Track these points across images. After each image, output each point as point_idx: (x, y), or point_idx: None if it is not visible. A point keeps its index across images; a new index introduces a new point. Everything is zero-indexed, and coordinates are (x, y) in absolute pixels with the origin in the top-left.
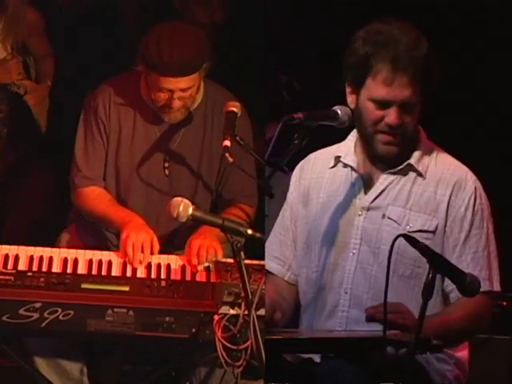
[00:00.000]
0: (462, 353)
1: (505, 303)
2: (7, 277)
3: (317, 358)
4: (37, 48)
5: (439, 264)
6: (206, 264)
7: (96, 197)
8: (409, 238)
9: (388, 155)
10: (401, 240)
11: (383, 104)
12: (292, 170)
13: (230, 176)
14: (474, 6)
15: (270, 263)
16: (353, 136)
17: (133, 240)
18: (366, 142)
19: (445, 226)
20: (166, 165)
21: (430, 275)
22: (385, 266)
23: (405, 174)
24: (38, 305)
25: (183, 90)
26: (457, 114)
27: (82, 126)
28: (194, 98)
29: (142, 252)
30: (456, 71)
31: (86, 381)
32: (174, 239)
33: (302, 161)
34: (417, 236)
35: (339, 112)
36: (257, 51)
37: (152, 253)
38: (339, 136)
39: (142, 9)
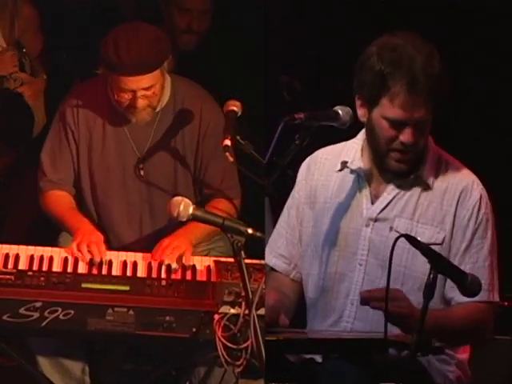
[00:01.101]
0: (464, 355)
1: (506, 303)
2: (7, 276)
3: (318, 358)
4: (31, 45)
5: (440, 264)
6: (167, 262)
7: (56, 199)
8: (410, 238)
9: (399, 172)
10: (408, 254)
11: (398, 124)
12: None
13: (208, 170)
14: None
15: (275, 261)
16: (359, 139)
17: (85, 242)
18: (377, 155)
19: (451, 235)
20: (141, 166)
21: (432, 275)
22: (393, 278)
23: (412, 185)
24: (38, 304)
25: (145, 88)
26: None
27: (51, 132)
28: (158, 96)
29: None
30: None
31: (88, 380)
32: (160, 239)
33: (308, 158)
34: None
35: (340, 112)
36: (257, 51)
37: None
38: (340, 136)
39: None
